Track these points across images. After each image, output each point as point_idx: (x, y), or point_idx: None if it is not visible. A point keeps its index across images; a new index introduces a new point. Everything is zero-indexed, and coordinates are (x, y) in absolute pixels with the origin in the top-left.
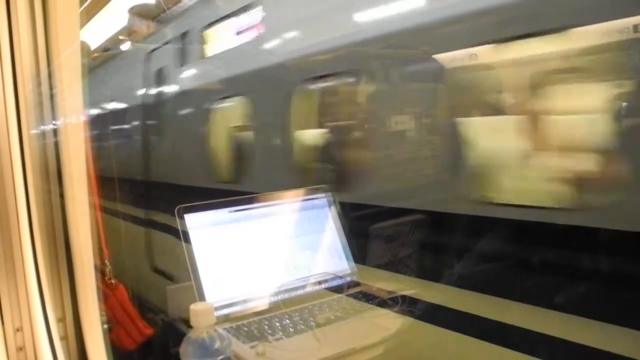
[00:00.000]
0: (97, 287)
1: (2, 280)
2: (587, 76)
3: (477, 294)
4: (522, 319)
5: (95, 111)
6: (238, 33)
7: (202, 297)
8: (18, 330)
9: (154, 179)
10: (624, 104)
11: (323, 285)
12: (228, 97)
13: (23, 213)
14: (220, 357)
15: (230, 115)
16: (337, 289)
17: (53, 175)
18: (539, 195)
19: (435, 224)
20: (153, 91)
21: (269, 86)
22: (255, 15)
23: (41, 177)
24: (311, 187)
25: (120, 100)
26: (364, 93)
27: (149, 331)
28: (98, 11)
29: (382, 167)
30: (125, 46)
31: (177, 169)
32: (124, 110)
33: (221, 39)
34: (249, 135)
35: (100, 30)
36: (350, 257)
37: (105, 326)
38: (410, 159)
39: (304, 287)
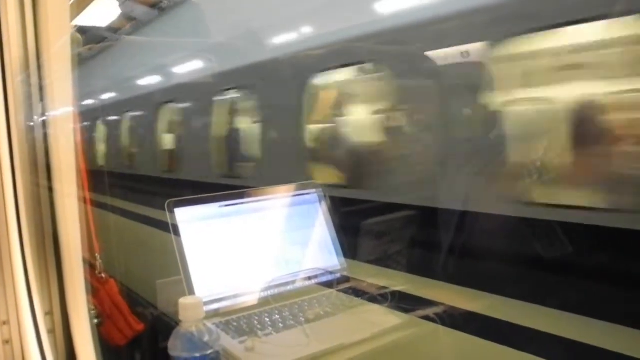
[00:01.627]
0: (86, 281)
1: None
2: None
3: None
4: None
5: None
6: None
7: (191, 292)
8: (5, 323)
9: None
10: None
11: (313, 281)
12: None
13: (11, 205)
14: (209, 352)
15: None
16: (327, 285)
17: (42, 169)
18: None
19: None
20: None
21: None
22: None
23: (30, 170)
24: (302, 183)
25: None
26: None
27: (139, 326)
28: (89, 3)
29: None
30: None
31: None
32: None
33: None
34: None
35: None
36: (341, 253)
37: (96, 321)
38: None
39: (294, 282)
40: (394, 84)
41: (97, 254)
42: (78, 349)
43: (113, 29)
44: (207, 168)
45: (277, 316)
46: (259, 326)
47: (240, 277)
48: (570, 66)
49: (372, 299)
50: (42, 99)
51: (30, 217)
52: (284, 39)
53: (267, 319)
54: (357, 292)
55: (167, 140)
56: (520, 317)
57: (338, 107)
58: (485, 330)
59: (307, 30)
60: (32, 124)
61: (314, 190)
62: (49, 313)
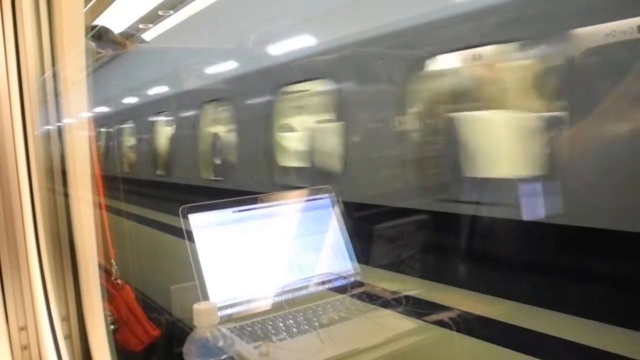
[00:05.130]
0: (102, 286)
1: (7, 279)
2: None
3: None
4: None
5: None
6: None
7: (205, 297)
8: (22, 329)
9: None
10: None
11: (327, 286)
12: None
13: (28, 212)
14: (224, 357)
15: None
16: (341, 290)
17: (58, 175)
18: None
19: None
20: None
21: None
22: None
23: (46, 177)
24: (315, 187)
25: None
26: None
27: (155, 332)
28: (103, 10)
29: None
30: None
31: None
32: None
33: None
34: None
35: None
36: (354, 257)
37: (112, 327)
38: None
39: (307, 287)
40: None
41: (112, 260)
42: (94, 354)
43: None
44: None
45: (291, 321)
46: (273, 331)
47: (254, 282)
48: None
49: (386, 304)
50: (57, 105)
51: (46, 223)
52: None
53: (281, 324)
54: (371, 297)
55: None
56: None
57: None
58: None
59: None
60: (47, 130)
61: (327, 194)
62: (65, 319)
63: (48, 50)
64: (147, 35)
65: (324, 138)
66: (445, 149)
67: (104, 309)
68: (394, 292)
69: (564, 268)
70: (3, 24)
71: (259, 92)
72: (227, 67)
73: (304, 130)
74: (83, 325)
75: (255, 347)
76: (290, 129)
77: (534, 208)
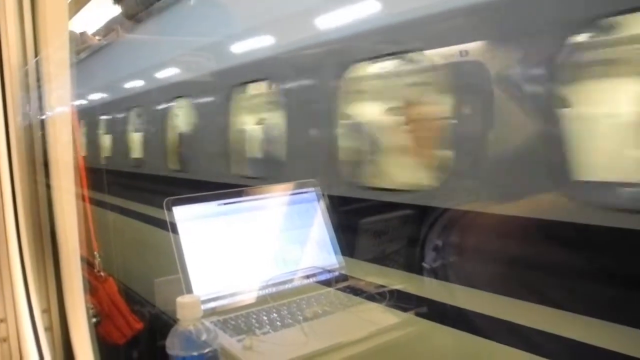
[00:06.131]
0: (84, 278)
1: None
2: None
3: None
4: None
5: None
6: None
7: (189, 290)
8: (2, 321)
9: None
10: None
11: (311, 279)
12: None
13: (9, 203)
14: (207, 350)
15: None
16: (326, 283)
17: (40, 166)
18: None
19: None
20: None
21: None
22: None
23: (28, 168)
24: (300, 181)
25: None
26: None
27: (138, 325)
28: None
29: None
30: None
31: None
32: None
33: None
34: None
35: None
36: (339, 251)
37: (94, 319)
38: None
39: (292, 281)
40: None
41: (95, 252)
42: (76, 346)
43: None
44: None
45: (275, 315)
46: (257, 325)
47: (238, 275)
48: None
49: (370, 298)
50: (40, 96)
51: (28, 214)
52: None
53: (265, 318)
54: (355, 291)
55: None
56: None
57: None
58: None
59: None
60: (30, 121)
61: (312, 188)
62: (46, 311)
63: (31, 39)
64: None
65: None
66: None
67: (86, 301)
68: (378, 286)
69: None
70: None
71: None
72: None
73: None
74: (64, 318)
75: (239, 341)
76: None
77: None
